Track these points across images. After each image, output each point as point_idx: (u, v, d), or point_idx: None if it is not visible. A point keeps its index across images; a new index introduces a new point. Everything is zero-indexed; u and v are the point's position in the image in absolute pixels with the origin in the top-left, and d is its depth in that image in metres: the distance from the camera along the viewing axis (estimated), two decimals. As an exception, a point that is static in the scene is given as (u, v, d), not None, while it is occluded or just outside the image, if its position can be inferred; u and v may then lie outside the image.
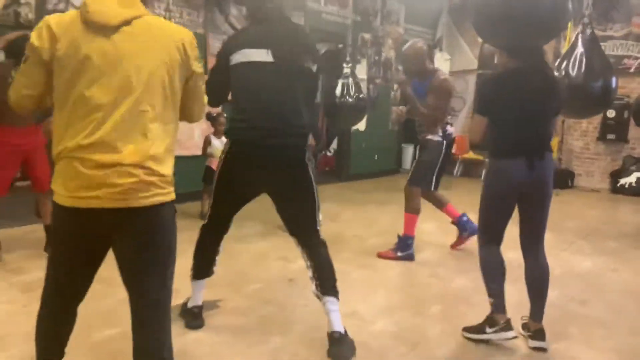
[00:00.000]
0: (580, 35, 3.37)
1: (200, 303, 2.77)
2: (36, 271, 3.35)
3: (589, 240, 4.83)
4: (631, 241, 4.91)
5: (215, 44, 5.80)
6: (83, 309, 2.67)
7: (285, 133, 2.40)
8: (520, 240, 2.66)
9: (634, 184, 7.57)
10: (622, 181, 7.69)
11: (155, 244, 1.65)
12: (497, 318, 2.58)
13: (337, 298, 2.48)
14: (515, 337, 2.57)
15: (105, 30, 1.52)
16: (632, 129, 7.62)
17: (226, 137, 2.58)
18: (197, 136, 5.66)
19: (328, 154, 9.06)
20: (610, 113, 7.71)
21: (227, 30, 5.91)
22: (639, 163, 7.71)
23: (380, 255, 3.96)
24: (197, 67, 1.75)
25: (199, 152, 5.25)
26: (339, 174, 8.10)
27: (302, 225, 2.55)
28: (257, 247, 4.16)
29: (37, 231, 4.23)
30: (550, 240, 4.72)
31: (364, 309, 2.99)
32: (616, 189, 7.73)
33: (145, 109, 1.55)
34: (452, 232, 4.55)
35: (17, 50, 3.30)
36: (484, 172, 2.70)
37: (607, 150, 8.02)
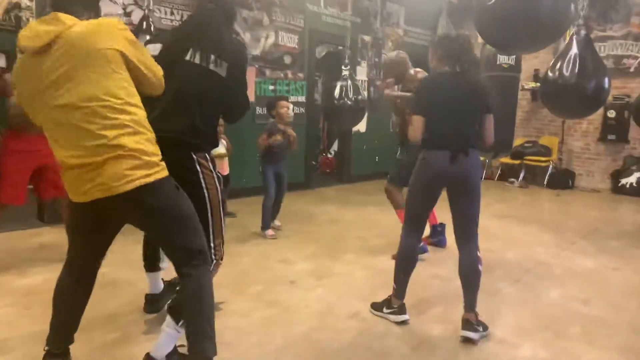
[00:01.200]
0: (574, 37, 3.40)
1: (157, 291, 2.87)
2: (39, 274, 3.37)
3: (590, 240, 4.83)
4: (632, 240, 4.91)
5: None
6: (85, 313, 2.68)
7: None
8: (455, 235, 2.79)
9: (634, 184, 7.57)
10: (623, 181, 7.69)
11: None
12: (393, 301, 2.86)
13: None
14: (406, 320, 2.81)
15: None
16: (632, 129, 7.62)
17: None
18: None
19: (329, 155, 9.07)
20: (611, 113, 7.71)
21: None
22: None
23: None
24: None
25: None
26: (340, 175, 8.11)
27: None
28: (259, 249, 4.16)
29: (39, 234, 4.25)
30: (551, 240, 4.76)
31: (367, 309, 2.99)
32: (617, 189, 7.73)
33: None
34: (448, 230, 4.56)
35: None
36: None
37: (607, 151, 8.02)
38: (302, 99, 7.03)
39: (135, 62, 1.84)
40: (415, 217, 2.82)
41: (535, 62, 8.24)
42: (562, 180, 7.98)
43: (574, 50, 3.27)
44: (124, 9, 4.95)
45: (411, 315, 2.92)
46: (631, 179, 7.62)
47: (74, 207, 1.94)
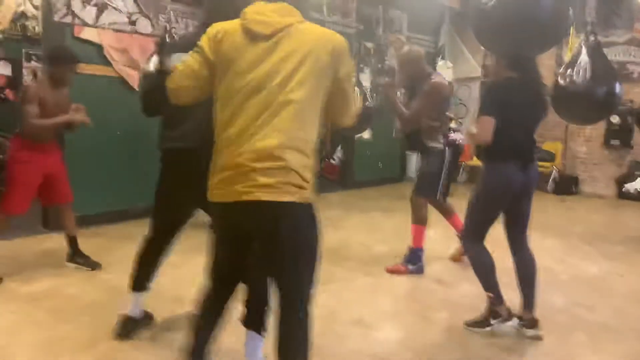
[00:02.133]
0: (583, 43, 3.40)
1: (137, 316, 2.67)
2: (42, 282, 3.38)
3: (595, 246, 4.81)
4: (637, 246, 4.89)
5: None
6: (90, 319, 2.69)
7: None
8: (508, 235, 2.83)
9: (639, 189, 7.53)
10: (628, 186, 7.66)
11: None
12: (498, 309, 2.75)
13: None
14: (541, 337, 2.71)
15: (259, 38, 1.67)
16: (636, 135, 7.60)
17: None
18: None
19: (332, 161, 9.07)
20: (614, 118, 7.69)
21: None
22: (644, 168, 7.69)
23: (390, 271, 3.74)
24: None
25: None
26: (343, 181, 8.11)
27: None
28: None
29: (44, 241, 4.26)
30: (556, 245, 4.74)
31: (370, 315, 2.99)
32: (621, 195, 7.70)
33: None
34: (456, 240, 4.55)
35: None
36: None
37: (611, 156, 8.00)
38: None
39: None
40: (482, 228, 2.77)
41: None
42: (566, 185, 7.95)
43: (584, 56, 3.27)
44: (129, 17, 4.99)
45: (415, 322, 2.92)
46: (636, 185, 7.59)
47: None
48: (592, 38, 3.42)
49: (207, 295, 2.01)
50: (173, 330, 2.72)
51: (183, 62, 1.80)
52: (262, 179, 1.62)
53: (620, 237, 5.24)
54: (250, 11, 1.71)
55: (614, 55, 7.72)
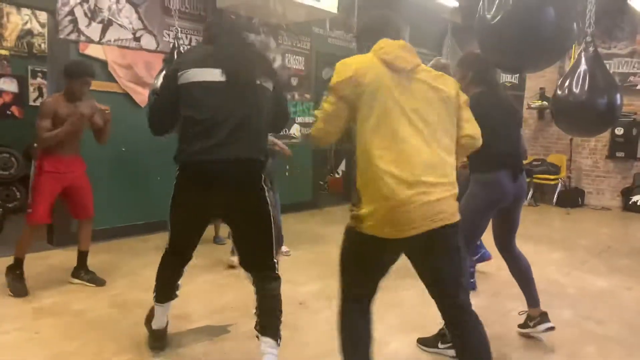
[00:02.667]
0: (583, 53, 3.39)
1: (164, 325, 2.70)
2: (48, 298, 3.37)
3: (602, 259, 4.77)
4: (645, 259, 4.85)
5: (223, 70, 5.88)
6: (94, 335, 2.68)
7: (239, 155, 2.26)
8: (499, 241, 2.94)
9: (645, 201, 7.51)
10: (634, 198, 7.62)
11: None
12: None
13: (277, 342, 2.34)
14: (553, 327, 2.83)
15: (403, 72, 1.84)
16: (641, 146, 7.58)
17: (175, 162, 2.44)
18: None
19: (336, 176, 9.07)
20: (619, 130, 7.68)
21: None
22: (650, 180, 7.66)
23: None
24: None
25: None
26: (348, 195, 8.10)
27: (256, 256, 2.42)
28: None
29: (49, 257, 4.26)
30: (563, 259, 4.70)
31: (378, 329, 2.94)
32: (628, 207, 7.66)
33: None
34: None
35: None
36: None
37: (616, 168, 7.97)
38: (309, 119, 7.08)
39: None
40: (478, 236, 2.86)
41: (540, 81, 8.26)
42: (572, 198, 7.92)
43: (583, 67, 3.26)
44: (134, 34, 5.04)
45: (416, 335, 2.88)
46: (642, 196, 7.56)
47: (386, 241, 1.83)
48: (591, 49, 3.41)
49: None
50: (181, 347, 2.70)
51: (322, 109, 1.88)
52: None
53: (627, 250, 5.19)
54: (384, 47, 1.88)
55: (617, 67, 7.74)
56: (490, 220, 2.85)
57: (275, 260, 2.43)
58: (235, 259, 3.96)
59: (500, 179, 2.68)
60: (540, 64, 2.91)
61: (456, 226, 1.83)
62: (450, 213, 1.80)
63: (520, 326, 2.97)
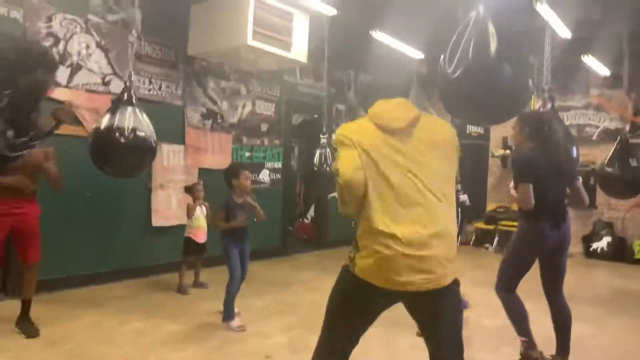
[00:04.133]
0: (541, 109, 3.55)
1: None
2: (2, 353, 3.18)
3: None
4: (607, 306, 4.93)
5: (193, 116, 5.89)
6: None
7: None
8: (545, 287, 3.24)
9: (605, 248, 7.71)
10: (595, 245, 7.83)
11: None
12: (531, 354, 3.05)
13: None
14: None
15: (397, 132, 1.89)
16: (599, 195, 7.84)
17: None
18: (174, 206, 5.61)
19: (305, 221, 9.05)
20: (577, 180, 7.95)
21: (206, 103, 6.03)
22: (608, 227, 7.89)
23: None
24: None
25: (177, 222, 5.18)
26: (317, 241, 8.05)
27: None
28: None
29: (2, 309, 4.05)
30: (529, 306, 4.68)
31: None
32: (589, 254, 7.85)
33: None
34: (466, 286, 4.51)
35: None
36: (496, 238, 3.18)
37: (577, 215, 8.18)
38: (278, 165, 7.10)
39: None
40: (516, 281, 3.16)
41: (503, 131, 8.54)
42: (536, 244, 8.07)
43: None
44: (103, 78, 5.02)
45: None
46: (602, 244, 7.76)
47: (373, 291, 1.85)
48: (549, 104, 3.59)
49: None
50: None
51: (341, 158, 1.89)
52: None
53: (591, 297, 5.28)
54: (378, 112, 1.95)
55: (573, 118, 8.11)
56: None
57: None
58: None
59: (541, 229, 3.03)
60: (498, 117, 3.01)
61: (452, 287, 1.86)
62: (442, 275, 1.81)
63: None
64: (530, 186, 2.98)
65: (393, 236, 1.77)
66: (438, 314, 1.87)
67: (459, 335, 1.91)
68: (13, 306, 4.02)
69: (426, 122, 1.95)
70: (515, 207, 3.30)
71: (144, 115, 3.94)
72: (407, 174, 1.82)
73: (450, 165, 1.93)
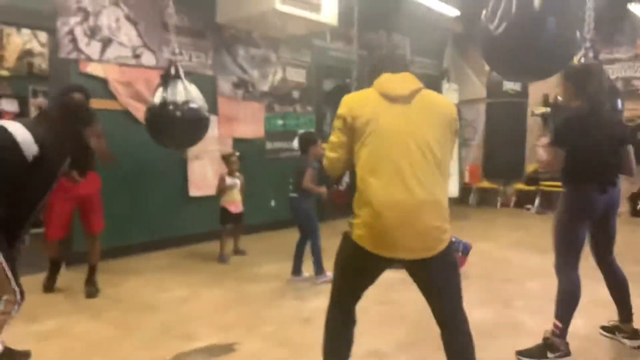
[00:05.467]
0: (582, 59, 3.36)
1: None
2: (50, 320, 3.31)
3: (613, 266, 4.68)
4: (656, 265, 4.75)
5: (225, 85, 5.88)
6: (98, 357, 2.64)
7: None
8: (595, 252, 3.00)
9: (654, 206, 7.41)
10: (642, 204, 7.53)
11: None
12: (558, 343, 2.74)
13: None
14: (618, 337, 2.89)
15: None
16: (647, 151, 7.50)
17: None
18: (210, 177, 5.67)
19: (340, 188, 9.02)
20: (624, 135, 7.62)
21: (235, 71, 6.00)
22: (658, 184, 7.56)
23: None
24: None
25: (212, 192, 5.24)
26: (351, 207, 8.02)
27: None
28: (271, 287, 4.08)
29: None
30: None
31: (385, 345, 2.89)
32: (635, 212, 7.56)
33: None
34: (471, 264, 4.46)
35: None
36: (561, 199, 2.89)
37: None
38: (311, 131, 7.05)
39: None
40: (576, 251, 2.84)
41: (543, 87, 8.20)
42: (579, 205, 7.83)
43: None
44: (134, 51, 5.04)
45: (431, 351, 2.82)
46: (650, 202, 7.46)
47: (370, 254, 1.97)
48: (590, 54, 3.38)
49: None
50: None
51: (330, 142, 2.09)
52: None
53: (636, 256, 5.10)
54: (383, 81, 2.06)
55: (619, 72, 7.70)
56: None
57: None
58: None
59: (588, 193, 2.75)
60: (543, 73, 2.87)
61: (445, 250, 1.95)
62: (432, 242, 1.92)
63: (605, 329, 3.05)
64: (563, 153, 2.73)
65: (384, 204, 1.88)
66: (435, 278, 2.00)
67: (458, 293, 2.05)
68: (67, 277, 4.19)
69: (427, 95, 2.06)
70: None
71: (194, 87, 4.17)
72: (404, 141, 1.92)
73: (445, 136, 2.00)
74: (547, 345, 2.77)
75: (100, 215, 3.91)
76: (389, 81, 2.05)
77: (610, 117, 2.85)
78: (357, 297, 2.16)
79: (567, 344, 2.76)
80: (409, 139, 1.92)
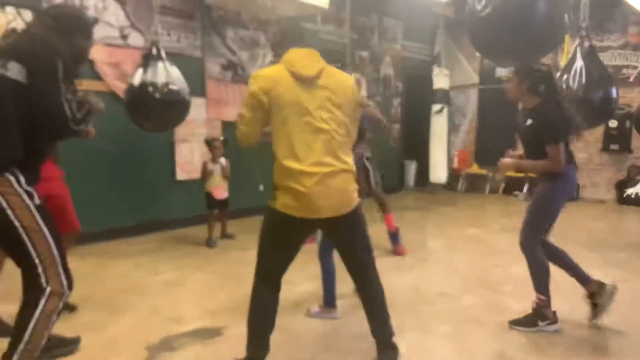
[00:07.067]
0: (579, 49, 3.36)
1: None
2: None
3: (598, 252, 4.75)
4: (640, 252, 4.83)
5: (213, 67, 5.80)
6: (85, 339, 2.62)
7: None
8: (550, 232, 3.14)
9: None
10: (628, 191, 7.61)
11: None
12: (546, 312, 2.94)
13: None
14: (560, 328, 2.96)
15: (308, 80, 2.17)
16: (635, 139, 7.56)
17: None
18: (197, 160, 5.63)
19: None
20: (613, 123, 7.65)
21: (225, 53, 5.92)
22: (644, 172, 7.65)
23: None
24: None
25: (199, 176, 5.20)
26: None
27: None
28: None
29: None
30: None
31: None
32: (622, 200, 7.65)
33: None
34: (459, 250, 4.50)
35: None
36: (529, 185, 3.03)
37: (611, 161, 7.96)
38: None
39: None
40: (547, 227, 3.06)
41: (534, 74, 8.23)
42: (566, 191, 7.90)
43: (579, 62, 3.24)
44: (121, 32, 4.95)
45: (418, 335, 2.84)
46: (636, 189, 7.54)
47: (295, 221, 2.19)
48: (586, 43, 3.39)
49: None
50: (173, 350, 2.64)
51: (242, 115, 2.20)
52: None
53: (623, 243, 5.17)
54: (291, 59, 2.20)
55: (609, 59, 7.72)
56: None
57: None
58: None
59: (571, 174, 2.98)
60: (530, 56, 2.86)
61: (356, 209, 2.28)
62: (347, 201, 2.23)
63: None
64: (563, 146, 2.84)
65: (302, 172, 2.12)
66: (352, 231, 2.33)
67: (369, 241, 2.41)
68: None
69: (330, 72, 2.24)
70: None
71: (175, 69, 4.07)
72: (313, 115, 2.14)
73: (351, 108, 2.27)
74: (537, 314, 2.94)
75: (71, 211, 3.26)
76: (297, 58, 2.20)
77: (568, 108, 3.07)
78: (284, 269, 2.34)
79: (554, 312, 2.95)
80: (323, 114, 2.16)
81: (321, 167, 2.14)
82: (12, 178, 1.97)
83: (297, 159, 2.13)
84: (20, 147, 2.00)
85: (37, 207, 2.02)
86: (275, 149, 2.18)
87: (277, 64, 2.23)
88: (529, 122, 2.92)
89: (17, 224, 1.96)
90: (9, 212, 1.95)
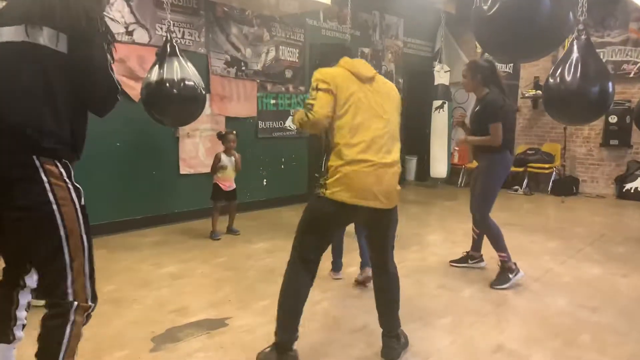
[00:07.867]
0: (575, 42, 3.37)
1: None
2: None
3: (597, 247, 4.80)
4: (639, 246, 4.88)
5: (217, 64, 5.86)
6: (92, 332, 2.68)
7: None
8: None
9: (639, 189, 7.54)
10: (628, 186, 7.66)
11: None
12: (510, 265, 3.60)
13: None
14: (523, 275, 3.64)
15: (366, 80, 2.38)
16: (634, 134, 7.61)
17: None
18: (201, 155, 5.69)
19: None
20: (612, 118, 7.70)
21: (229, 50, 5.97)
22: (644, 167, 7.69)
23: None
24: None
25: (204, 170, 5.26)
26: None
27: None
28: (264, 264, 4.15)
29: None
30: (558, 247, 4.73)
31: (374, 322, 2.96)
32: (622, 194, 7.70)
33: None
34: (459, 243, 4.54)
35: None
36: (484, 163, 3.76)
37: (610, 156, 8.01)
38: (303, 112, 7.05)
39: None
40: (493, 203, 3.75)
41: (534, 70, 8.26)
42: (566, 186, 7.95)
43: (575, 55, 3.24)
44: (126, 28, 5.00)
45: (419, 327, 2.90)
46: (636, 184, 7.59)
47: (345, 209, 2.28)
48: (583, 37, 3.39)
49: None
50: (178, 341, 2.71)
51: (316, 98, 2.28)
52: None
53: (622, 238, 5.23)
54: (350, 62, 2.40)
55: (610, 55, 7.76)
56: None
57: None
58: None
59: (508, 157, 3.69)
60: (536, 54, 2.91)
61: (396, 206, 2.44)
62: (395, 196, 2.38)
63: (455, 262, 4.13)
64: (501, 125, 3.53)
65: (363, 160, 2.25)
66: (390, 226, 2.47)
67: (394, 239, 2.55)
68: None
69: (381, 79, 2.48)
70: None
71: (189, 65, 4.17)
72: (376, 112, 2.33)
73: (397, 111, 2.49)
74: (506, 269, 3.59)
75: None
76: (355, 63, 2.41)
77: (509, 100, 3.81)
78: (321, 251, 2.42)
79: (515, 264, 3.61)
80: (380, 111, 2.35)
81: (381, 157, 2.29)
82: (62, 168, 1.70)
83: (359, 147, 2.26)
84: (69, 129, 1.71)
85: (82, 208, 1.75)
86: (338, 139, 2.28)
87: (335, 67, 2.40)
88: (477, 108, 3.68)
89: (59, 223, 1.67)
90: (55, 207, 1.66)
